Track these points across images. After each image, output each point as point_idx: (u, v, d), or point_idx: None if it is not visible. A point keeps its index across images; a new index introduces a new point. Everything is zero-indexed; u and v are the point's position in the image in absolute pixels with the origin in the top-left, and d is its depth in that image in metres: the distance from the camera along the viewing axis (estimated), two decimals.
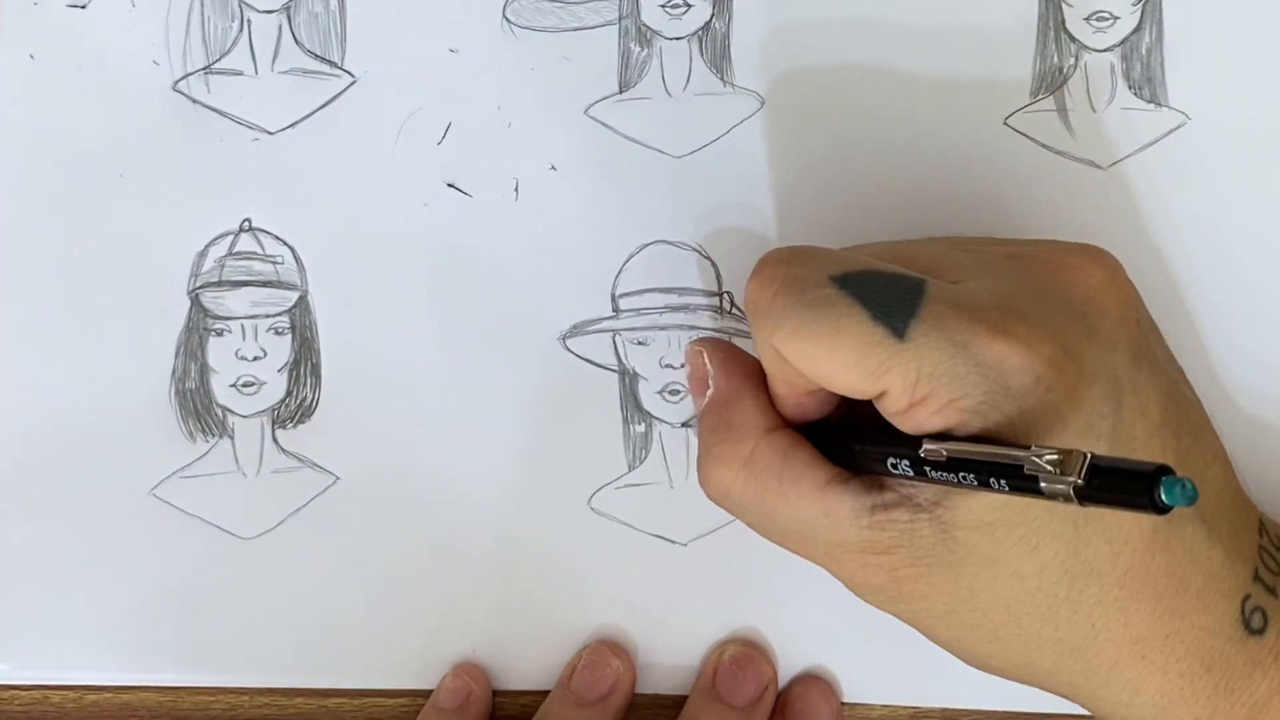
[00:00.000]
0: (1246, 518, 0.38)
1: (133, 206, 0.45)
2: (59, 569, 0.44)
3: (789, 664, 0.44)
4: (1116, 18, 0.45)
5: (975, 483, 0.33)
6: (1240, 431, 0.43)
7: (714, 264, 0.44)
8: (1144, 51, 0.45)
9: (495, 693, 0.44)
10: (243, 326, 0.45)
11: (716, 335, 0.44)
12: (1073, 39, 0.45)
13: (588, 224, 0.45)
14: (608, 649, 0.43)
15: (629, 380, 0.45)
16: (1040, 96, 0.44)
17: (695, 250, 0.44)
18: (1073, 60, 0.45)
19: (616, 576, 0.44)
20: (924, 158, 0.44)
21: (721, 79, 0.45)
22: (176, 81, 0.45)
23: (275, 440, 0.45)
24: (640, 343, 0.45)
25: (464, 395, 0.44)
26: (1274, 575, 0.37)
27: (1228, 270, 0.44)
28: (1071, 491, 0.30)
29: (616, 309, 0.45)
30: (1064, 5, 0.45)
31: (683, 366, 0.44)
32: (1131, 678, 0.36)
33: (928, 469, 0.34)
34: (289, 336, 0.45)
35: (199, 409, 0.45)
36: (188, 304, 0.45)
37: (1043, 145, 0.44)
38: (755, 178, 0.44)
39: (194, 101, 0.45)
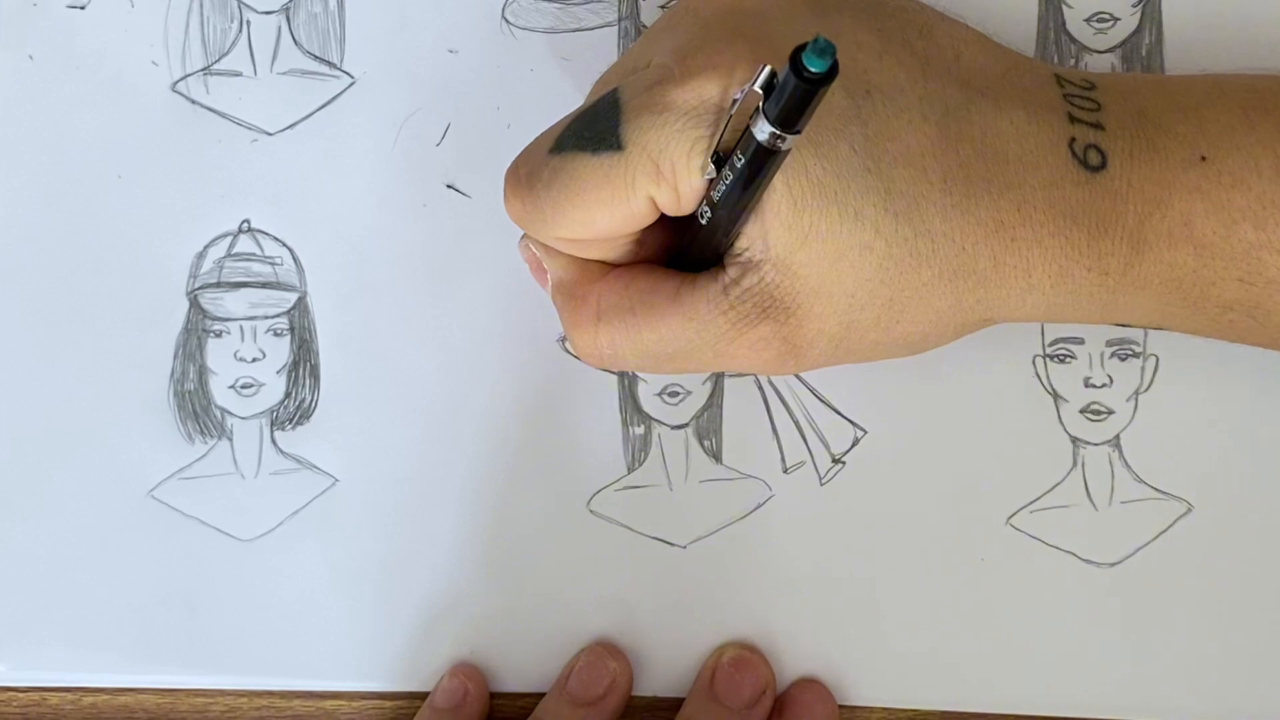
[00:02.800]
0: (1035, 75, 0.39)
1: (131, 207, 0.45)
2: (57, 570, 0.44)
3: (787, 667, 0.44)
4: (1117, 19, 0.45)
5: (731, 173, 0.34)
6: None
7: None
8: (1144, 53, 0.44)
9: (493, 694, 0.44)
10: (241, 328, 0.45)
11: None
12: (1073, 40, 0.45)
13: None
14: (605, 651, 0.43)
15: (628, 382, 0.45)
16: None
17: None
18: (1073, 62, 0.45)
19: (615, 579, 0.44)
20: None
21: None
22: (175, 82, 0.45)
23: (274, 442, 0.45)
24: None
25: (463, 397, 0.44)
26: (1092, 113, 0.38)
27: None
28: (763, 115, 0.32)
29: None
30: (1064, 6, 0.45)
31: None
32: (1017, 262, 0.37)
33: (715, 196, 0.35)
34: (288, 338, 0.45)
35: (198, 410, 0.45)
36: (186, 305, 0.45)
37: None
38: None
39: (193, 102, 0.45)
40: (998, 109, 0.37)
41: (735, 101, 0.34)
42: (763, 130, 0.32)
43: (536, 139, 0.38)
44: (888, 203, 0.36)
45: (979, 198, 0.36)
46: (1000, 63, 0.39)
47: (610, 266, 0.39)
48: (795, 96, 0.31)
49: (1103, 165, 0.37)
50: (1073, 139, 0.37)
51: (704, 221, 0.36)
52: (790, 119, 0.32)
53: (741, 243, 0.36)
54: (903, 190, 0.36)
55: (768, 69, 0.32)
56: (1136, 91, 0.38)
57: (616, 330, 0.38)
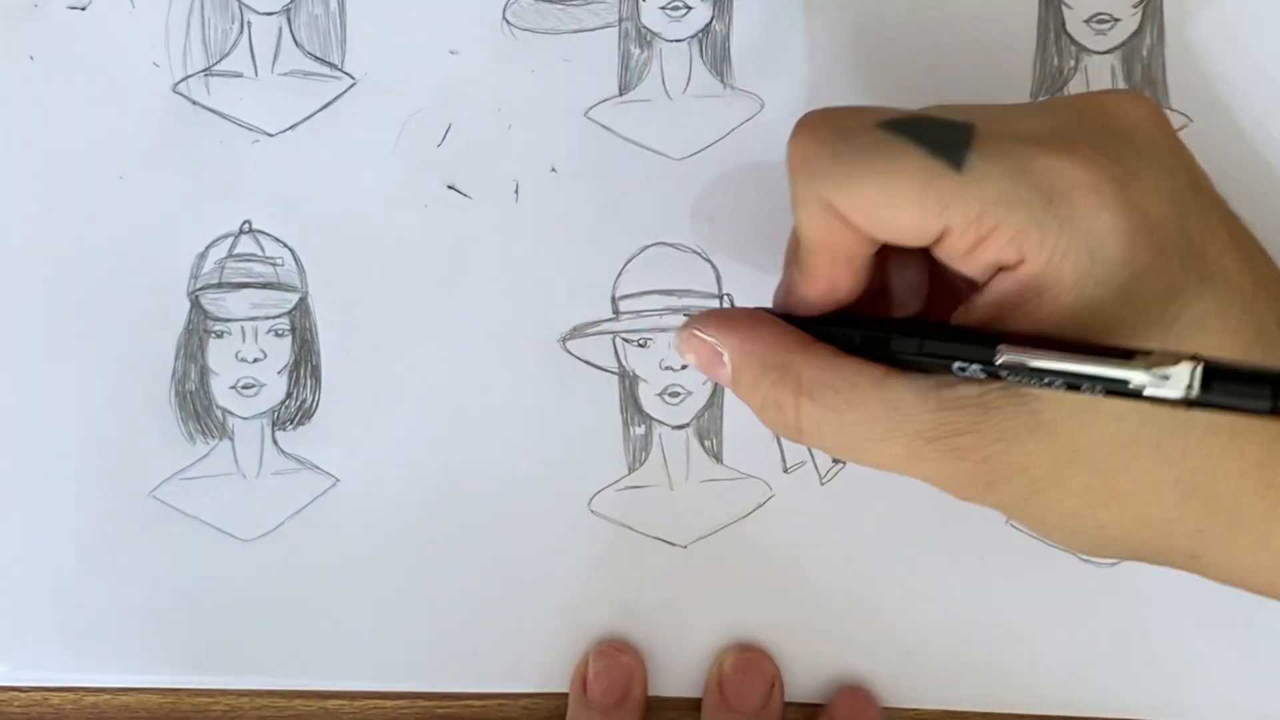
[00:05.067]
0: None
1: (133, 208, 0.45)
2: (59, 570, 0.44)
3: (787, 666, 0.44)
4: (1117, 20, 0.45)
5: (1065, 386, 0.31)
6: None
7: (714, 266, 0.44)
8: (1145, 54, 0.45)
9: (493, 695, 0.44)
10: (243, 328, 0.45)
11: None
12: (1073, 41, 0.45)
13: (588, 226, 0.45)
14: (614, 649, 0.43)
15: (629, 382, 0.45)
16: (1040, 99, 0.44)
17: (695, 252, 0.44)
18: (1073, 63, 0.45)
19: (616, 579, 0.44)
20: None
21: (721, 81, 0.45)
22: (177, 83, 0.45)
23: (275, 442, 0.45)
24: (640, 345, 0.45)
25: (464, 397, 0.44)
26: None
27: None
28: (1183, 398, 0.29)
29: (616, 311, 0.45)
30: (1064, 7, 0.45)
31: (684, 368, 0.44)
32: (1262, 510, 0.33)
33: (1004, 374, 0.32)
34: (289, 338, 0.45)
35: (199, 411, 0.45)
36: (188, 306, 0.45)
37: None
38: (754, 180, 0.44)
39: (194, 103, 0.45)
40: None
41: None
42: (1159, 388, 0.30)
43: (854, 106, 0.36)
44: None
45: (1251, 429, 0.33)
46: None
47: (803, 341, 0.37)
48: (1234, 400, 0.29)
49: None
50: None
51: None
52: (1206, 405, 0.29)
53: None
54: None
55: (1200, 368, 0.29)
56: None
57: (819, 408, 0.35)
